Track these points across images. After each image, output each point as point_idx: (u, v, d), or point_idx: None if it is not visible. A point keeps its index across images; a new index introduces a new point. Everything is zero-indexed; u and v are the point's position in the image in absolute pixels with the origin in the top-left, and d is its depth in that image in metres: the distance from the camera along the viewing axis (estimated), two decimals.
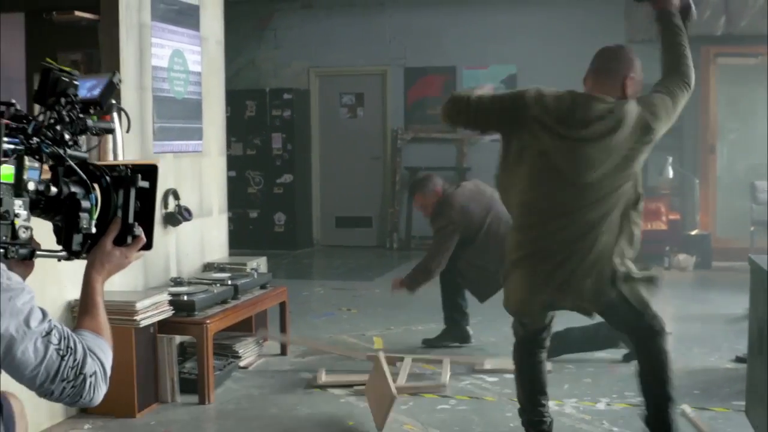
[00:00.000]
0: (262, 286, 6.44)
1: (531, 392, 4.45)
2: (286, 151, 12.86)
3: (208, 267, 6.66)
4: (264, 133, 12.88)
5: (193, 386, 5.39)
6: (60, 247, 2.31)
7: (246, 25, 13.26)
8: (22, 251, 2.18)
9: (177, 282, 5.98)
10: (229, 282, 6.01)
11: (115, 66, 5.72)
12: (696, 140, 12.07)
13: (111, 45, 5.79)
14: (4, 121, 2.12)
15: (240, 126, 12.70)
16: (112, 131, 2.50)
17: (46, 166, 2.25)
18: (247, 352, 6.29)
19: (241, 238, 11.74)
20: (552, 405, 5.18)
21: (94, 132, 2.38)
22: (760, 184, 10.99)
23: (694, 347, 6.60)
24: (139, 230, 2.36)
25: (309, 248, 13.08)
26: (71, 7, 5.70)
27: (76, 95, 2.31)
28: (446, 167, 12.56)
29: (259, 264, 6.80)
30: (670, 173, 11.07)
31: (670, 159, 11.07)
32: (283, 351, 6.55)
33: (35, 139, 2.20)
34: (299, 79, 13.37)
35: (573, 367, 6.08)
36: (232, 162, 10.43)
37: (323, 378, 5.79)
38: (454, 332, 6.77)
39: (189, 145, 6.58)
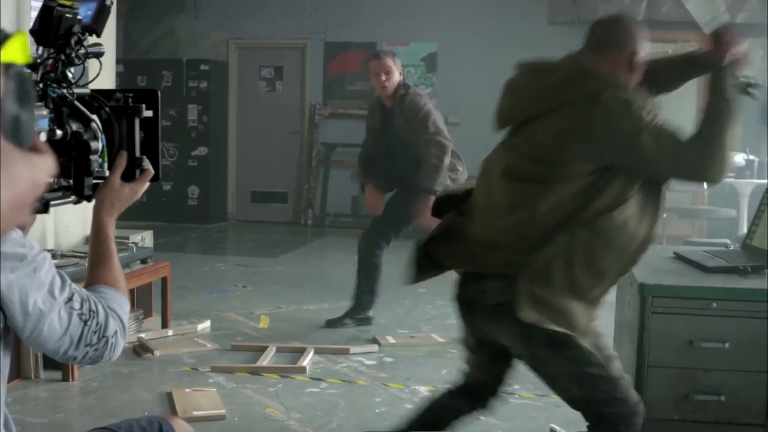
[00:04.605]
0: (143, 261, 6.27)
1: None
2: (201, 123, 12.63)
3: (89, 240, 6.44)
4: (179, 105, 12.63)
5: (58, 362, 5.21)
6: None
7: None
8: (36, 204, 1.94)
9: (51, 255, 5.79)
10: None
11: None
12: None
13: None
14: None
15: None
16: (101, 54, 2.18)
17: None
18: None
19: (154, 210, 11.61)
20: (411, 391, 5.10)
21: (90, 57, 2.14)
22: None
23: None
24: (147, 163, 2.22)
25: (223, 222, 12.87)
26: None
27: (83, 32, 2.10)
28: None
29: (144, 237, 6.62)
30: None
31: None
32: (165, 325, 6.40)
33: (40, 85, 2.03)
34: (218, 50, 13.11)
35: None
36: None
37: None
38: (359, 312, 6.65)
39: None
